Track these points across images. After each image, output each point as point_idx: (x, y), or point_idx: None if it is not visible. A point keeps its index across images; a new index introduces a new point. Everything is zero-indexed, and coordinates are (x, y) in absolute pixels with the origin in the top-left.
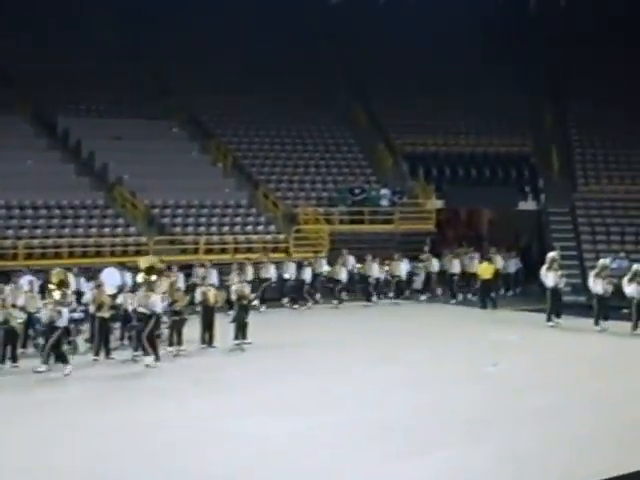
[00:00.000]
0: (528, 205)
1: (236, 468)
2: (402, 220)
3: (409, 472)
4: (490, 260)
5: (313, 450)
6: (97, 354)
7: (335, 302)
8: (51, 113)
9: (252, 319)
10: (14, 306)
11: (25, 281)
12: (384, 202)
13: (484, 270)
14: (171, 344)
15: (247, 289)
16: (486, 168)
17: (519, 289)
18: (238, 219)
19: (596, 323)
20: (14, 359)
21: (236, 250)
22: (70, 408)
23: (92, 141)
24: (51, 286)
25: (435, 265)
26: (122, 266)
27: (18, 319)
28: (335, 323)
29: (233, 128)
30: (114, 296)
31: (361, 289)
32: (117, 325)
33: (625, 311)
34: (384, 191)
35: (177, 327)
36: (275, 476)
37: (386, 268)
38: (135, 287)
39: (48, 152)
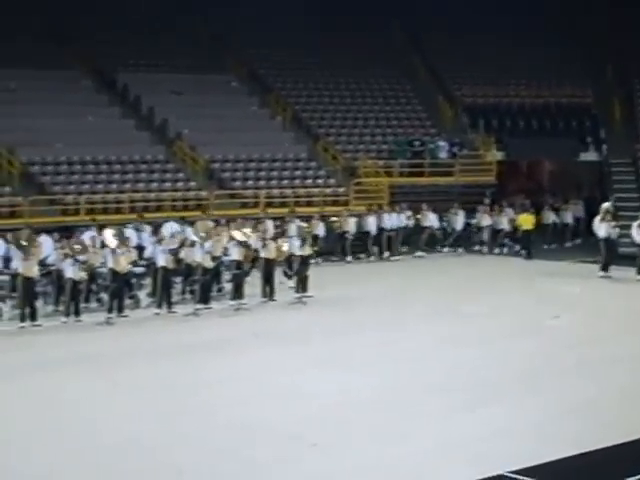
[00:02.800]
0: (589, 156)
1: (297, 418)
2: (462, 172)
3: (469, 425)
4: (534, 211)
5: (370, 405)
6: (159, 307)
7: (388, 254)
8: (111, 69)
9: (316, 272)
10: (77, 261)
11: (87, 237)
12: (443, 154)
13: (524, 221)
14: (233, 298)
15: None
16: (547, 119)
17: (579, 240)
18: (298, 172)
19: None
20: (77, 313)
21: (296, 204)
22: (130, 362)
23: (152, 96)
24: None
25: (488, 219)
26: (183, 220)
27: (81, 274)
28: (392, 276)
29: (292, 81)
30: (175, 250)
31: (418, 240)
32: (179, 279)
33: None
34: (443, 143)
35: (238, 281)
36: (340, 429)
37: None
38: (195, 242)
39: (108, 108)
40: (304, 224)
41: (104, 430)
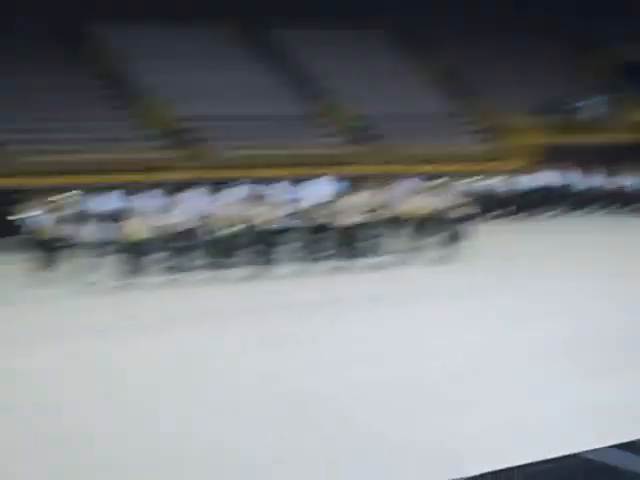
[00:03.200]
0: None
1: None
2: (615, 131)
3: (606, 390)
4: None
5: (507, 365)
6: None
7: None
8: (262, 24)
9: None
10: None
11: (236, 192)
12: (597, 112)
13: None
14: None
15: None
16: None
17: None
18: (447, 130)
19: None
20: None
21: (445, 161)
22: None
23: (301, 52)
24: None
25: None
26: (333, 177)
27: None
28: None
29: (445, 38)
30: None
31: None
32: None
33: None
34: (597, 100)
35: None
36: (473, 388)
37: None
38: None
39: (258, 63)
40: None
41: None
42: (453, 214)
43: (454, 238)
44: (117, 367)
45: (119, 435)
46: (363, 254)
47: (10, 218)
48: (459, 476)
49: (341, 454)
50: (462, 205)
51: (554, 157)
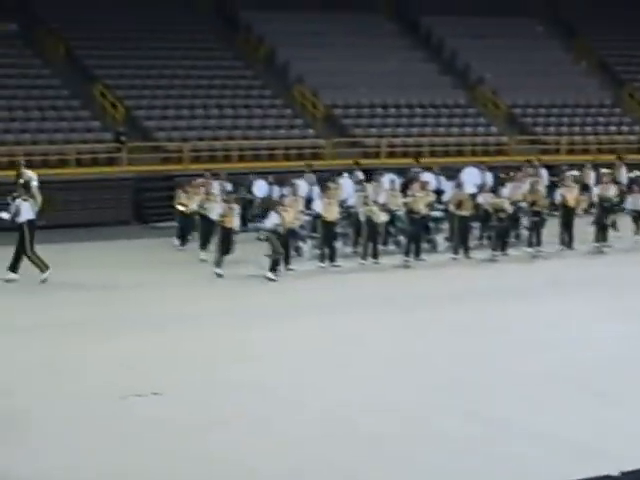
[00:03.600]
0: None
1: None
2: None
3: None
4: None
5: None
6: (456, 253)
7: None
8: (414, 12)
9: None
10: (375, 203)
11: (387, 179)
12: None
13: None
14: (530, 245)
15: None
16: None
17: None
18: (601, 119)
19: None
20: (375, 256)
21: (599, 151)
22: (423, 305)
23: (455, 40)
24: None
25: None
26: (482, 165)
27: (380, 217)
28: None
29: (598, 26)
30: (474, 195)
31: None
32: (476, 225)
33: None
34: None
35: (537, 228)
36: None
37: None
38: (495, 187)
39: (411, 51)
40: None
41: (433, 370)
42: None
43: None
44: None
45: None
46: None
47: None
48: None
49: None
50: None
51: None
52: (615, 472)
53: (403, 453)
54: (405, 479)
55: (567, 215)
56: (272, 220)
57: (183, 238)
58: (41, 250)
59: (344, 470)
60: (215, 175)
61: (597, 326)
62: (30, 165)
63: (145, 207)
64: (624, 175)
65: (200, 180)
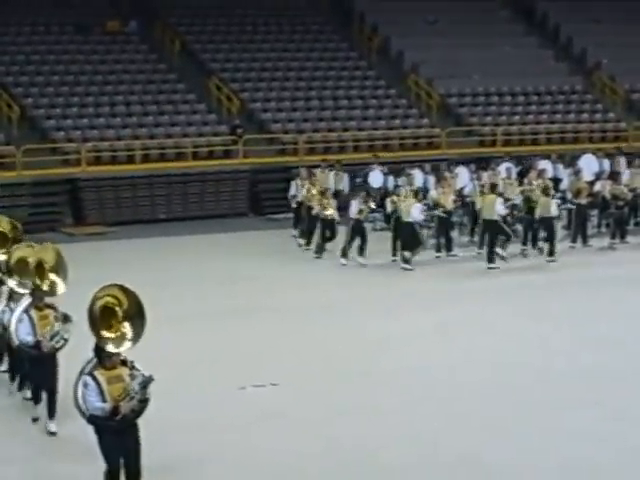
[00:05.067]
0: None
1: None
2: None
3: None
4: None
5: None
6: (574, 241)
7: None
8: None
9: None
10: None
11: (503, 168)
12: None
13: None
14: None
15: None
16: None
17: None
18: None
19: None
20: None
21: None
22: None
23: (571, 25)
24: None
25: None
26: (600, 152)
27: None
28: None
29: None
30: (592, 183)
31: None
32: (594, 212)
33: None
34: None
35: None
36: None
37: None
38: (614, 174)
39: (526, 37)
40: None
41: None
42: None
43: None
44: None
45: None
46: None
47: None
48: None
49: None
50: None
51: None
52: None
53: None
54: None
55: None
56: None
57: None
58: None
59: (471, 455)
60: (331, 166)
61: None
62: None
63: (261, 199)
64: None
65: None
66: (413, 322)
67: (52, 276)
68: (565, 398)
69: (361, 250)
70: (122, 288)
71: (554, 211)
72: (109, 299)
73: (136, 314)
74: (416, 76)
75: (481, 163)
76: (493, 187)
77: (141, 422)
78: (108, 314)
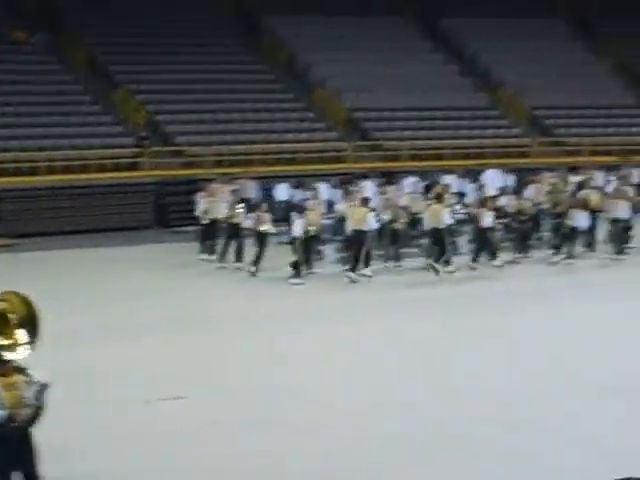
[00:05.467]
0: None
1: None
2: None
3: None
4: None
5: None
6: (477, 255)
7: None
8: (435, 15)
9: None
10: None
11: (409, 182)
12: None
13: None
14: (553, 247)
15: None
16: None
17: None
18: (624, 120)
19: None
20: (397, 259)
21: (623, 152)
22: (437, 307)
23: (475, 42)
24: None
25: None
26: (504, 168)
27: (401, 220)
28: None
29: (621, 27)
30: (495, 198)
31: None
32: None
33: None
34: None
35: (558, 230)
36: None
37: None
38: (517, 189)
39: (432, 53)
40: None
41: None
42: None
43: None
44: None
45: None
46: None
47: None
48: None
49: None
50: None
51: None
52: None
53: (426, 453)
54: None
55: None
56: (297, 226)
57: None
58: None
59: (373, 471)
60: (232, 180)
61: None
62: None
63: (167, 211)
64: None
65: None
66: (323, 336)
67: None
68: (471, 414)
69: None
70: (18, 295)
71: (445, 221)
72: (3, 305)
73: (31, 322)
74: (323, 90)
75: (386, 177)
76: (364, 201)
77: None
78: (2, 321)
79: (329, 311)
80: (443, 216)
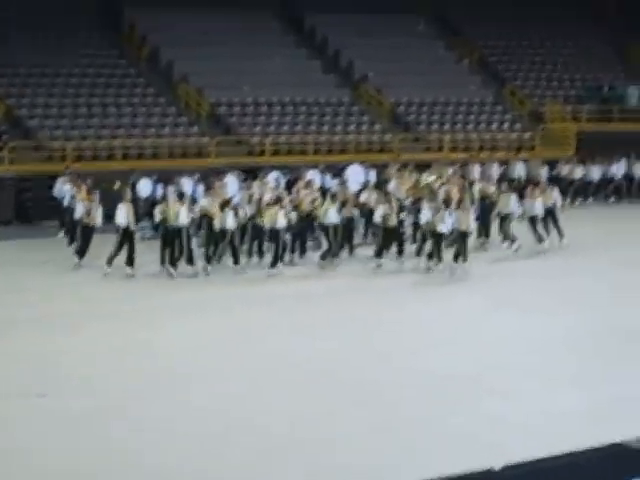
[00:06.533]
0: None
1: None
2: None
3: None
4: None
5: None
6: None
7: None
8: (299, 10)
9: None
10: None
11: (271, 177)
12: (633, 100)
13: None
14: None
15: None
16: None
17: None
18: (483, 117)
19: None
20: (261, 254)
21: (481, 148)
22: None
23: (339, 38)
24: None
25: None
26: (366, 163)
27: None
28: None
29: (480, 25)
30: (358, 193)
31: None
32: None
33: None
34: (633, 89)
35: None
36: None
37: None
38: (380, 185)
39: (296, 49)
40: None
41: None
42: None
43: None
44: None
45: None
46: None
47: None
48: None
49: None
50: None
51: (591, 145)
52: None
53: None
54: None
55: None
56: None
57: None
58: None
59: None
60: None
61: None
62: None
63: (27, 207)
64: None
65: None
66: (188, 329)
67: None
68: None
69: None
70: None
71: (281, 223)
72: None
73: None
74: (186, 85)
75: (250, 173)
76: (277, 200)
77: None
78: None
79: (193, 304)
80: (279, 218)
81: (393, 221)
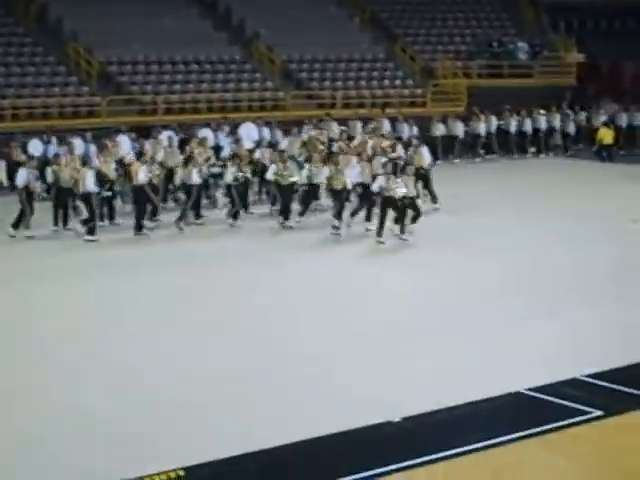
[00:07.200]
0: None
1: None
2: (541, 74)
3: (545, 329)
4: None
5: (444, 310)
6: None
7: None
8: None
9: None
10: (153, 160)
11: (164, 136)
12: (522, 56)
13: (605, 135)
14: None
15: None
16: (631, 19)
17: None
18: (375, 74)
19: None
20: (154, 214)
21: (372, 105)
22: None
23: None
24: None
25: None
26: (260, 121)
27: (157, 174)
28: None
29: None
30: (252, 151)
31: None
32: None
33: None
34: (522, 44)
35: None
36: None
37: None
38: (273, 143)
39: (186, 8)
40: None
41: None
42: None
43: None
44: None
45: None
46: None
47: None
48: None
49: None
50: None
51: (482, 100)
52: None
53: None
54: None
55: None
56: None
57: None
58: None
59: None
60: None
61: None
62: None
63: None
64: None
65: None
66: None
67: None
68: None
69: (23, 221)
70: None
71: (195, 179)
72: None
73: None
74: (76, 44)
75: (142, 132)
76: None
77: None
78: None
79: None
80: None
81: (287, 180)
